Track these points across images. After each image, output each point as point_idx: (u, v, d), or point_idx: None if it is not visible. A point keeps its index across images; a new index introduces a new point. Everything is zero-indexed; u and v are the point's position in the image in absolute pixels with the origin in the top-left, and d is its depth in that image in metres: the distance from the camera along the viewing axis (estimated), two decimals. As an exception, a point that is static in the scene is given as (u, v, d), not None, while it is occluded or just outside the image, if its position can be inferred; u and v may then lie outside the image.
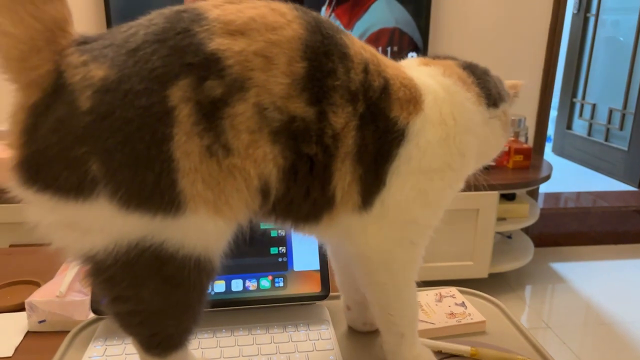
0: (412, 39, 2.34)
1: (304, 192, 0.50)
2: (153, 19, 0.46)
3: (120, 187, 0.42)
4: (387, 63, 0.54)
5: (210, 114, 0.44)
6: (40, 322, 0.79)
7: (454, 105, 0.57)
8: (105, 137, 0.41)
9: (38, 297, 0.79)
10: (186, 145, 0.43)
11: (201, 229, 0.46)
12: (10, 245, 1.65)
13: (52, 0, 0.44)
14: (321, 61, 0.47)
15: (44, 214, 0.44)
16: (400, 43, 2.33)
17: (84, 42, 0.45)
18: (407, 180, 0.54)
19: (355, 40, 0.52)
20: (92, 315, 0.74)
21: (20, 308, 0.84)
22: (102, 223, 0.44)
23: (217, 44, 0.44)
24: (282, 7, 0.48)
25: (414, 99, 0.54)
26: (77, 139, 0.42)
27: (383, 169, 0.53)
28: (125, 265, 0.45)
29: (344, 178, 0.51)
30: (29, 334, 0.79)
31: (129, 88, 0.42)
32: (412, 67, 0.60)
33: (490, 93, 0.61)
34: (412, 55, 0.65)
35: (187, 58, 0.43)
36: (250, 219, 0.51)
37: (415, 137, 0.53)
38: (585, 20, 3.60)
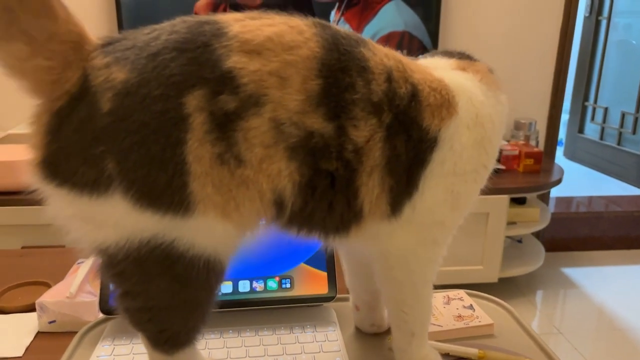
0: (422, 42, 2.34)
1: (326, 207, 0.51)
2: (176, 26, 0.47)
3: (134, 185, 0.44)
4: (414, 68, 0.54)
5: (223, 125, 0.45)
6: (50, 322, 0.80)
7: (494, 109, 0.58)
8: (122, 138, 0.43)
9: (48, 297, 0.80)
10: (198, 150, 0.44)
11: (210, 231, 0.47)
12: (23, 247, 1.67)
13: (70, 18, 0.45)
14: (337, 77, 0.48)
15: (62, 207, 0.46)
16: (409, 46, 2.33)
17: (108, 43, 0.47)
18: (440, 183, 0.54)
19: (379, 49, 0.52)
20: (100, 316, 0.75)
21: (31, 309, 0.84)
22: (116, 218, 0.45)
23: (234, 62, 0.45)
24: (301, 24, 0.49)
25: (446, 103, 0.54)
26: (96, 138, 0.44)
27: (417, 175, 0.53)
28: (136, 261, 0.46)
29: (372, 192, 0.51)
30: (39, 334, 0.80)
31: (147, 92, 0.44)
32: (444, 68, 0.60)
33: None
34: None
35: (204, 72, 0.45)
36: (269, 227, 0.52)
37: (448, 141, 0.54)
38: (597, 23, 3.57)
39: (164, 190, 0.44)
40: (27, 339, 0.78)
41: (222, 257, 0.49)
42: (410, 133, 0.51)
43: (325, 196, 0.50)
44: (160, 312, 0.50)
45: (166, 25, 0.48)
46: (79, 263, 0.91)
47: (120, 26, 2.16)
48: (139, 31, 0.48)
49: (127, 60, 0.45)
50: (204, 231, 0.47)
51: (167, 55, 0.45)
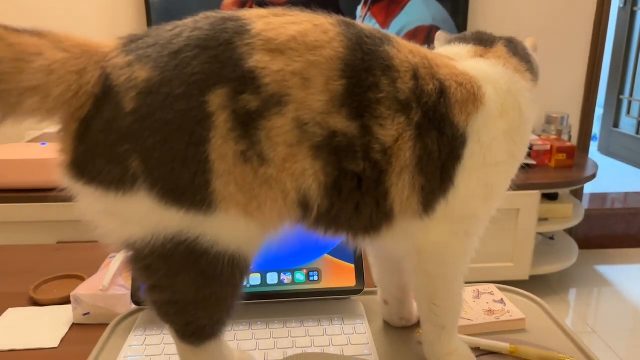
0: (450, 36, 2.31)
1: (352, 208, 0.50)
2: (199, 22, 0.47)
3: (158, 183, 0.45)
4: (439, 63, 0.53)
5: (246, 124, 0.45)
6: (84, 314, 0.82)
7: (519, 96, 0.57)
8: (146, 137, 0.44)
9: (82, 290, 0.82)
10: (222, 148, 0.45)
11: (233, 229, 0.48)
12: (58, 242, 1.71)
13: (56, 42, 0.45)
14: (361, 77, 0.48)
15: (90, 204, 0.47)
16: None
17: (131, 41, 0.47)
18: (472, 176, 0.54)
19: (404, 45, 0.52)
20: (132, 307, 0.76)
21: (66, 301, 0.87)
22: (141, 215, 0.46)
23: (256, 61, 0.45)
24: (326, 23, 0.49)
25: (472, 97, 0.53)
26: (121, 137, 0.44)
27: (453, 172, 0.53)
28: (162, 256, 0.47)
29: (402, 192, 0.51)
30: (74, 325, 0.82)
31: (169, 91, 0.44)
32: (464, 57, 0.59)
33: (534, 69, 0.61)
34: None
35: (225, 70, 0.45)
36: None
37: (476, 135, 0.53)
38: (632, 14, 3.46)
39: (187, 187, 0.45)
40: (63, 331, 0.80)
41: (246, 254, 0.50)
42: (442, 130, 0.51)
43: (352, 197, 0.50)
44: (186, 306, 0.50)
45: (189, 21, 0.48)
46: (111, 257, 0.93)
47: (150, 26, 2.19)
48: (162, 28, 0.48)
49: (149, 58, 0.45)
50: (227, 228, 0.47)
51: (189, 53, 0.45)
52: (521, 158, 0.59)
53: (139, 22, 2.23)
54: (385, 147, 0.49)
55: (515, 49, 0.61)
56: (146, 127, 0.44)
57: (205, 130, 0.44)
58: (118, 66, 0.45)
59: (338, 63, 0.47)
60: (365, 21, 2.27)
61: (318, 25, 0.48)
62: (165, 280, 0.49)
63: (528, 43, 0.66)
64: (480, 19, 2.37)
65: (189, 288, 0.49)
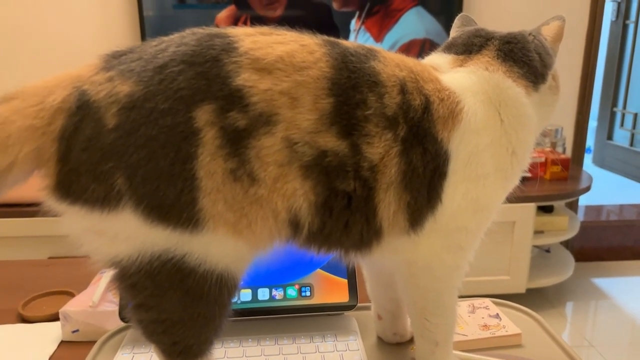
0: (444, 50, 2.32)
1: (342, 226, 0.50)
2: (185, 37, 0.47)
3: (143, 200, 0.44)
4: (426, 77, 0.53)
5: (235, 142, 0.44)
6: (73, 331, 0.80)
7: (503, 103, 0.55)
8: (130, 153, 0.43)
9: (71, 307, 0.80)
10: (210, 165, 0.44)
11: (221, 247, 0.47)
12: (49, 257, 1.70)
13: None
14: (349, 94, 0.47)
15: (75, 223, 0.46)
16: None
17: (112, 57, 0.47)
18: (457, 191, 0.53)
19: (390, 59, 0.51)
20: (120, 324, 0.75)
21: (54, 318, 0.85)
22: (127, 233, 0.45)
23: (244, 79, 0.45)
24: (312, 43, 0.49)
25: (451, 113, 0.52)
26: (104, 155, 0.43)
27: (440, 189, 0.52)
28: (148, 274, 0.46)
29: (389, 208, 0.50)
30: (62, 343, 0.80)
31: (154, 106, 0.43)
32: (445, 69, 0.58)
33: (537, 71, 0.58)
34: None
35: (213, 87, 0.44)
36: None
37: (458, 150, 0.52)
38: (625, 27, 3.50)
39: (173, 205, 0.44)
40: (51, 348, 0.78)
41: (234, 273, 0.49)
42: (426, 146, 0.50)
43: (342, 216, 0.49)
44: (173, 325, 0.49)
45: (175, 37, 0.48)
46: (102, 273, 0.91)
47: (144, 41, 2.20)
48: (147, 43, 0.48)
49: (132, 73, 0.44)
50: (214, 247, 0.47)
51: (174, 68, 0.44)
52: (514, 169, 0.57)
53: (133, 38, 2.23)
54: (372, 164, 0.48)
55: (510, 50, 0.58)
56: (130, 144, 0.43)
57: (193, 146, 0.43)
58: (97, 82, 0.44)
59: (325, 82, 0.47)
60: (359, 35, 2.29)
61: (305, 46, 0.48)
62: (151, 299, 0.48)
63: (548, 31, 0.62)
64: (473, 32, 2.38)
65: (176, 307, 0.48)
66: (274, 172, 0.46)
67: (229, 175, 0.45)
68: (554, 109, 0.62)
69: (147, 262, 0.46)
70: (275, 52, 0.46)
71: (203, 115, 0.43)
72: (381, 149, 0.48)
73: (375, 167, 0.48)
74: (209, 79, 0.44)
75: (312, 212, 0.48)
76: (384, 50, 0.53)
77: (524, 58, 0.58)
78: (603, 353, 2.03)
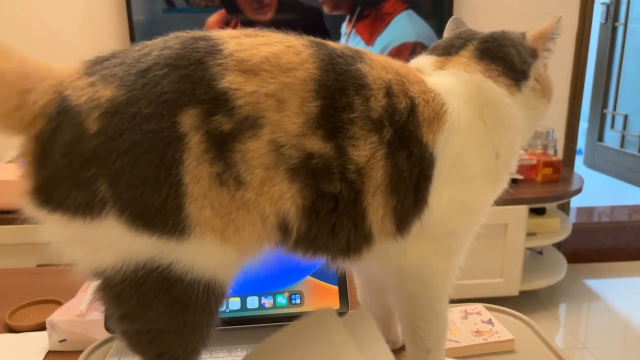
0: (435, 53, 2.33)
1: (328, 230, 0.49)
2: (169, 42, 0.46)
3: (127, 208, 0.43)
4: (411, 79, 0.52)
5: (221, 146, 0.44)
6: (61, 341, 0.79)
7: (485, 105, 0.54)
8: (113, 159, 0.42)
9: (59, 316, 0.79)
10: (196, 170, 0.43)
11: (209, 255, 0.46)
12: (38, 265, 1.67)
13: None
14: (335, 97, 0.47)
15: (57, 232, 0.45)
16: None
17: (95, 62, 0.46)
18: (444, 194, 0.52)
19: (377, 61, 0.51)
20: (107, 334, 0.74)
21: (42, 327, 0.83)
22: (111, 241, 0.44)
23: (229, 81, 0.44)
24: (298, 44, 0.48)
25: (436, 115, 0.52)
26: (86, 161, 0.42)
27: (425, 192, 0.51)
28: (133, 284, 0.45)
29: (377, 212, 0.50)
30: (50, 353, 0.79)
31: (137, 111, 0.42)
32: (428, 71, 0.58)
33: (515, 67, 0.57)
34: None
35: (198, 91, 0.43)
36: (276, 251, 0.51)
37: (443, 153, 0.52)
38: (614, 29, 3.52)
39: (159, 212, 0.43)
40: (38, 359, 0.77)
41: (222, 281, 0.48)
42: (411, 149, 0.50)
43: (329, 219, 0.49)
44: (159, 335, 0.49)
45: (158, 41, 0.47)
46: (90, 281, 0.90)
47: (134, 45, 2.19)
48: (130, 48, 0.47)
49: (114, 77, 0.44)
50: (202, 254, 0.46)
51: (158, 72, 0.43)
52: (500, 172, 0.56)
53: (123, 43, 2.22)
54: (359, 166, 0.48)
55: (487, 49, 0.58)
56: (113, 150, 0.42)
57: (178, 151, 0.43)
58: (78, 87, 0.44)
59: (312, 84, 0.46)
60: (350, 38, 2.28)
61: (291, 47, 0.48)
62: (136, 309, 0.47)
63: (534, 30, 0.61)
64: (464, 35, 2.39)
65: (162, 317, 0.47)
66: (261, 175, 0.45)
67: (215, 179, 0.44)
68: (543, 113, 0.61)
69: (132, 272, 0.45)
70: (261, 53, 0.46)
71: (188, 119, 0.43)
72: (367, 151, 0.48)
73: (361, 170, 0.48)
74: (193, 82, 0.44)
75: (299, 215, 0.48)
76: (370, 52, 0.52)
77: (500, 54, 0.57)
78: (596, 355, 2.03)
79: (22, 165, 0.45)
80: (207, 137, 0.43)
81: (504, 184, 0.58)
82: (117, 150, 0.42)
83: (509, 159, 0.57)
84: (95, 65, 0.45)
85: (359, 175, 0.48)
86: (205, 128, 0.43)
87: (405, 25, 2.29)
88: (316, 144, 0.46)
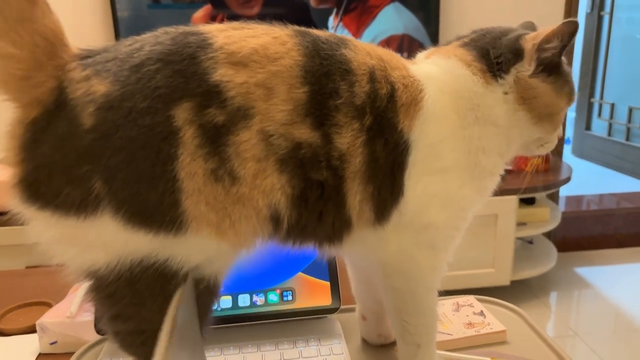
0: (423, 45, 2.32)
1: (316, 217, 0.49)
2: (159, 37, 0.46)
3: (124, 205, 0.42)
4: (394, 65, 0.52)
5: (215, 139, 0.44)
6: (51, 343, 0.78)
7: (458, 94, 0.53)
8: (108, 155, 0.42)
9: (49, 318, 0.78)
10: (190, 166, 0.43)
11: (204, 250, 0.46)
12: (27, 267, 1.66)
13: (48, 13, 0.43)
14: (322, 83, 0.47)
15: (45, 230, 0.44)
16: (410, 49, 2.31)
17: (87, 56, 0.45)
18: (418, 184, 0.52)
19: (361, 47, 0.51)
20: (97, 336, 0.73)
21: (32, 330, 0.83)
22: (106, 239, 0.43)
23: (221, 75, 0.44)
24: (283, 34, 0.49)
25: (414, 101, 0.51)
26: (80, 157, 0.42)
27: (401, 180, 0.51)
28: (128, 282, 0.45)
29: (355, 198, 0.50)
30: (40, 356, 0.78)
31: (132, 106, 0.42)
32: (419, 60, 0.58)
33: (487, 53, 0.54)
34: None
35: (191, 85, 0.43)
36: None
37: (418, 140, 0.51)
38: (600, 18, 3.54)
39: (156, 208, 0.43)
40: (29, 362, 0.76)
41: (216, 276, 0.48)
42: (387, 137, 0.50)
43: (316, 206, 0.49)
44: (153, 335, 0.48)
45: (148, 36, 0.47)
46: (81, 281, 0.89)
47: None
48: (121, 43, 0.47)
49: (108, 72, 0.43)
50: (197, 249, 0.45)
51: (151, 67, 0.43)
52: (478, 169, 0.54)
53: (107, 38, 2.19)
54: (341, 153, 0.48)
55: (472, 40, 0.56)
56: (108, 146, 0.41)
57: (173, 147, 0.42)
58: (74, 79, 0.43)
59: (298, 70, 0.47)
60: (338, 31, 2.27)
61: (276, 38, 0.48)
62: (129, 309, 0.47)
63: (529, 36, 0.55)
64: (451, 27, 2.39)
65: (156, 315, 0.46)
66: (253, 168, 0.45)
67: (209, 176, 0.44)
68: (527, 129, 0.56)
69: (127, 270, 0.44)
70: (249, 45, 0.46)
71: (182, 113, 0.43)
72: (348, 138, 0.48)
73: (343, 156, 0.48)
74: (186, 77, 0.44)
75: (289, 205, 0.48)
76: (354, 40, 0.52)
77: (479, 42, 0.56)
78: (587, 341, 2.05)
79: (8, 150, 0.43)
80: (201, 131, 0.43)
81: (489, 184, 0.56)
82: (112, 147, 0.42)
83: (486, 158, 0.54)
84: (87, 58, 0.45)
85: (341, 161, 0.48)
86: (198, 121, 0.43)
87: (392, 18, 2.28)
88: (305, 133, 0.46)
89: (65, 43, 0.44)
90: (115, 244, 0.44)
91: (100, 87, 0.42)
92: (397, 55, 0.55)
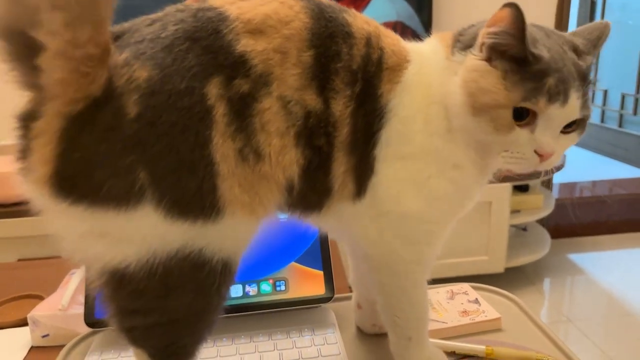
0: (415, 32, 2.31)
1: (312, 184, 0.50)
2: (178, 15, 0.46)
3: (165, 195, 0.41)
4: (387, 34, 0.53)
5: (241, 112, 0.44)
6: (43, 336, 0.78)
7: (430, 67, 0.51)
8: (152, 144, 0.41)
9: (40, 311, 0.78)
10: (223, 147, 0.43)
11: (237, 232, 0.46)
12: (19, 260, 1.65)
13: (105, 22, 0.40)
14: (327, 45, 0.48)
15: (75, 225, 0.42)
16: (403, 36, 2.29)
17: (117, 36, 0.44)
18: (390, 166, 0.51)
19: (359, 16, 0.52)
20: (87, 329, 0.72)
21: (23, 323, 0.82)
22: (144, 232, 0.42)
23: (244, 45, 0.45)
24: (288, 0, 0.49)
25: (398, 66, 0.51)
26: (126, 148, 0.40)
27: (371, 155, 0.50)
28: (160, 276, 0.43)
29: (339, 167, 0.50)
30: (32, 349, 0.78)
31: (172, 88, 0.41)
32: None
33: (461, 39, 0.52)
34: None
35: (219, 59, 0.44)
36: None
37: (393, 115, 0.50)
38: (593, 4, 3.54)
39: (195, 195, 0.42)
40: (21, 355, 0.76)
41: (238, 258, 0.48)
42: (368, 106, 0.50)
43: (315, 173, 0.49)
44: (173, 326, 0.47)
45: (165, 14, 0.46)
46: (71, 273, 0.89)
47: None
48: (138, 23, 0.46)
49: (145, 55, 0.42)
50: (231, 233, 0.45)
51: (182, 47, 0.43)
52: (449, 155, 0.51)
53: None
54: (335, 119, 0.48)
55: (464, 30, 0.53)
56: (152, 133, 0.41)
57: (208, 128, 0.42)
58: (118, 65, 0.41)
59: (306, 33, 0.47)
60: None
61: (283, 2, 0.48)
62: (154, 302, 0.45)
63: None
64: (444, 14, 2.37)
65: (182, 306, 0.46)
66: (277, 144, 0.45)
67: (238, 156, 0.44)
68: (469, 123, 0.50)
69: (161, 263, 0.43)
70: (262, 12, 0.46)
71: (213, 89, 0.43)
72: (341, 106, 0.48)
73: (335, 123, 0.48)
74: (214, 52, 0.44)
75: (300, 174, 0.48)
76: (352, 9, 0.53)
77: (467, 27, 0.54)
78: (580, 327, 2.07)
79: (39, 146, 0.40)
80: (230, 106, 0.43)
81: (460, 177, 0.52)
82: (156, 134, 0.41)
83: (443, 143, 0.51)
84: (117, 39, 0.44)
85: (334, 128, 0.48)
86: (227, 94, 0.43)
87: (385, 5, 2.27)
88: (312, 99, 0.47)
89: (105, 22, 0.41)
90: (152, 237, 0.42)
91: (143, 72, 0.41)
92: (392, 32, 0.55)
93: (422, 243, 0.54)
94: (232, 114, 0.43)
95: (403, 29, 2.30)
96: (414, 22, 2.29)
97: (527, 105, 0.48)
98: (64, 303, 0.78)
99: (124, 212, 0.41)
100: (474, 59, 0.49)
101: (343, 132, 0.49)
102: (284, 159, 0.46)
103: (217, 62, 0.43)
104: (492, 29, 0.48)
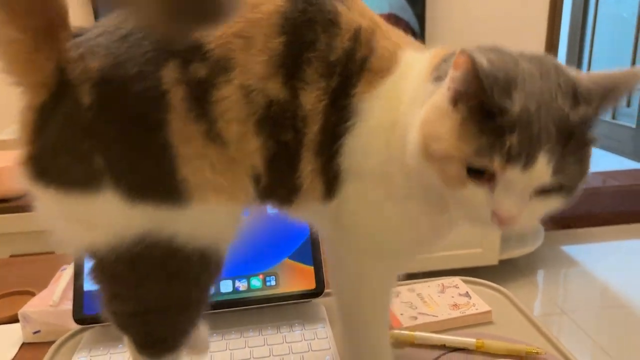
0: (409, 24, 2.30)
1: (279, 178, 0.48)
2: None
3: (122, 178, 0.42)
4: (387, 35, 0.48)
5: (200, 98, 0.43)
6: (34, 332, 0.77)
7: (408, 89, 0.46)
8: (105, 130, 0.42)
9: (31, 307, 0.77)
10: (184, 130, 0.43)
11: (213, 218, 0.45)
12: (11, 256, 1.64)
13: None
14: (301, 32, 0.45)
15: (49, 207, 0.45)
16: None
17: (79, 34, 0.45)
18: (351, 182, 0.48)
19: (357, 5, 0.48)
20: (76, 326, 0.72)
21: (14, 319, 0.82)
22: (107, 216, 0.43)
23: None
24: None
25: (381, 72, 0.47)
26: (82, 134, 0.42)
27: (336, 162, 0.47)
28: (128, 261, 0.44)
29: (307, 166, 0.47)
30: (24, 345, 0.77)
31: (124, 74, 0.42)
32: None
33: (440, 66, 0.45)
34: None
35: (174, 45, 0.43)
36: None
37: (360, 120, 0.46)
38: (586, 1, 3.53)
39: (153, 178, 0.43)
40: (12, 351, 0.75)
41: (220, 248, 0.47)
42: (339, 102, 0.46)
43: (281, 167, 0.47)
44: (150, 315, 0.48)
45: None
46: (62, 269, 0.88)
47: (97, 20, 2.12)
48: (107, 18, 0.46)
49: (99, 47, 0.43)
50: (207, 219, 0.45)
51: (139, 34, 0.43)
52: (392, 179, 0.47)
53: (86, 17, 2.15)
54: (304, 114, 0.46)
55: (449, 56, 0.46)
56: (105, 119, 0.42)
57: (162, 112, 0.42)
58: (72, 60, 0.43)
59: (277, 17, 0.45)
60: None
61: None
62: (129, 289, 0.46)
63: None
64: (438, 7, 2.37)
65: (156, 295, 0.46)
66: (237, 131, 0.44)
67: (205, 137, 0.43)
68: (417, 162, 0.44)
69: (128, 247, 0.44)
70: None
71: (169, 73, 0.42)
72: (312, 98, 0.46)
73: (305, 119, 0.46)
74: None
75: (265, 166, 0.47)
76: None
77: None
78: (574, 319, 2.08)
79: (21, 131, 0.43)
80: (188, 92, 0.43)
81: (416, 212, 0.48)
82: (108, 120, 0.42)
83: (396, 171, 0.46)
84: (79, 37, 0.45)
85: (303, 124, 0.46)
86: (184, 79, 0.43)
87: (377, -3, 2.25)
88: (275, 88, 0.45)
89: (66, 24, 0.44)
90: (116, 221, 0.43)
91: (94, 63, 0.42)
92: (404, 35, 0.51)
93: (386, 265, 0.53)
94: (192, 100, 0.43)
95: (396, 21, 2.29)
96: (407, 14, 2.28)
97: (479, 162, 0.40)
98: (55, 299, 0.78)
99: (87, 197, 0.43)
100: (440, 96, 0.42)
101: (313, 130, 0.46)
102: (246, 146, 0.45)
103: (172, 47, 0.43)
104: (453, 74, 0.41)
